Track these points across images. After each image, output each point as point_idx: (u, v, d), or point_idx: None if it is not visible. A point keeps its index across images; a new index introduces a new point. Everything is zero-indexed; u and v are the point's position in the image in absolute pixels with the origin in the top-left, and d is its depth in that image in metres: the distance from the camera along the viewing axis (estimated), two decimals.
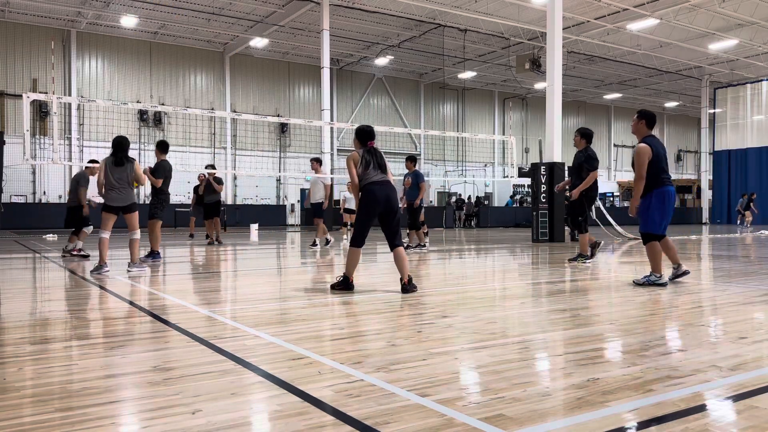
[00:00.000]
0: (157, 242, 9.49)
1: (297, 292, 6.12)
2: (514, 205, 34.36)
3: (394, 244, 5.91)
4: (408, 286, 5.80)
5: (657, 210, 6.33)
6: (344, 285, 5.89)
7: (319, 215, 12.71)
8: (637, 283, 6.37)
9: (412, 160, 11.90)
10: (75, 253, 10.26)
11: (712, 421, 2.27)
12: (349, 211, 17.28)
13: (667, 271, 6.60)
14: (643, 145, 6.33)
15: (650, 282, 6.29)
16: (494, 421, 2.24)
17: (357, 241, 5.92)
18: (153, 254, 9.29)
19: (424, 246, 11.99)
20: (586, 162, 8.87)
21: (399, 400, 2.52)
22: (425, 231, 13.00)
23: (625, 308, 4.94)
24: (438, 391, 2.62)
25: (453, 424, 2.22)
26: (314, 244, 12.71)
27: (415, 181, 11.71)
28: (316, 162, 12.84)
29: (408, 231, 12.13)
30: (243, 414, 2.37)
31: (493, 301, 5.52)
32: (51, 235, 18.11)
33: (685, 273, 6.68)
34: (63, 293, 6.13)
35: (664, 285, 6.21)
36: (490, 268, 9.00)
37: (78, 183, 10.44)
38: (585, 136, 8.96)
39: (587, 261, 8.99)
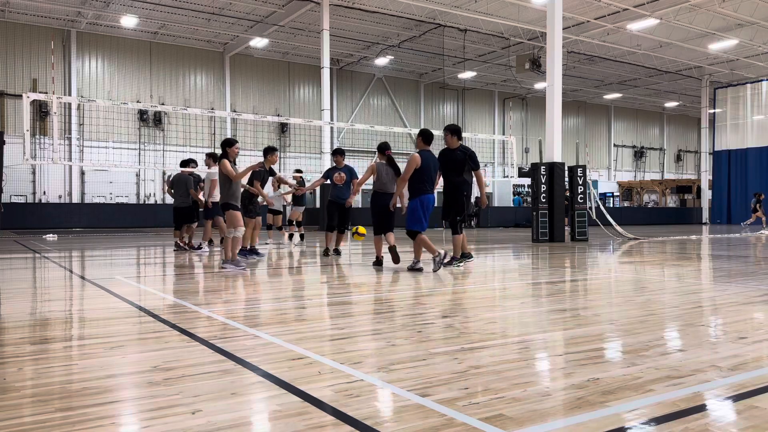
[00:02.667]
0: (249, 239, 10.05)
1: (297, 292, 6.12)
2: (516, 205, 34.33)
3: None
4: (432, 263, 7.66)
5: (419, 212, 7.75)
6: (377, 263, 8.28)
7: (216, 213, 11.27)
8: (434, 270, 7.57)
9: (341, 153, 10.63)
10: (188, 246, 11.71)
11: (712, 421, 2.27)
12: (273, 211, 15.31)
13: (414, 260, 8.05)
14: (415, 154, 7.86)
15: (444, 263, 7.76)
16: (494, 421, 2.24)
17: (376, 231, 8.47)
18: (251, 250, 9.95)
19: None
20: (471, 161, 8.34)
21: (399, 400, 2.52)
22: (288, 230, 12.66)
23: (625, 308, 4.94)
24: (438, 391, 2.62)
25: (453, 424, 2.22)
26: (255, 252, 10.91)
27: (349, 178, 10.41)
28: (211, 158, 11.62)
29: (328, 232, 10.49)
30: (243, 414, 2.37)
31: (493, 301, 5.52)
32: (51, 235, 18.12)
33: (419, 270, 7.66)
34: (63, 293, 6.13)
35: (450, 261, 7.84)
36: (489, 268, 9.00)
37: (187, 185, 11.72)
38: (456, 133, 8.55)
39: (461, 264, 8.35)
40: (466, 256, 8.54)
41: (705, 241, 16.13)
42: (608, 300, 5.53)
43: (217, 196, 11.57)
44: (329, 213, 10.44)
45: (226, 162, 8.16)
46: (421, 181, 7.77)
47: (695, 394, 2.59)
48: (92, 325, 4.26)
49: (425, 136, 8.09)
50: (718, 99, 33.76)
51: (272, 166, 10.14)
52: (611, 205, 37.04)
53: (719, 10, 24.15)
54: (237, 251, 8.21)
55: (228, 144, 8.36)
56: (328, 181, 10.59)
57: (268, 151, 9.69)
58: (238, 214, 8.20)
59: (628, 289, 6.26)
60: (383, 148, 8.76)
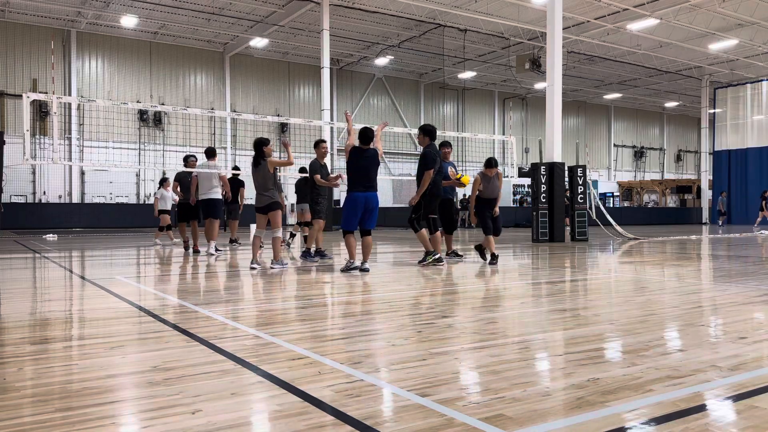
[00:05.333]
0: (312, 241, 9.72)
1: (297, 292, 6.12)
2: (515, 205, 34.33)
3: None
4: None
5: (346, 211, 7.82)
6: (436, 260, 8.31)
7: (217, 215, 11.17)
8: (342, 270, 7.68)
9: (449, 145, 10.05)
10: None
11: (712, 421, 2.27)
12: (163, 211, 14.69)
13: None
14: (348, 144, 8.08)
15: (348, 268, 7.68)
16: (494, 421, 2.24)
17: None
18: (317, 252, 9.64)
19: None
20: (421, 161, 8.44)
21: (399, 400, 2.52)
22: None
23: (625, 308, 4.94)
24: (438, 391, 2.62)
25: (453, 424, 2.22)
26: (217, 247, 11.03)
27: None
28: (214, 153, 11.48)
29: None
30: (243, 414, 2.37)
31: (493, 301, 5.52)
32: (51, 235, 18.12)
33: (365, 270, 7.69)
34: (63, 293, 6.13)
35: (356, 269, 7.64)
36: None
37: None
38: (427, 133, 8.53)
39: (440, 264, 8.35)
40: (431, 253, 8.40)
41: (705, 241, 16.13)
42: (608, 300, 5.53)
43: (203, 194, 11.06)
44: (438, 212, 9.48)
45: (270, 159, 8.41)
46: (350, 178, 7.89)
47: (695, 394, 2.59)
48: (92, 325, 4.26)
49: (362, 137, 7.96)
50: (718, 99, 33.74)
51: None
52: (611, 205, 37.04)
53: (719, 10, 24.14)
54: (279, 250, 8.41)
55: (263, 143, 8.49)
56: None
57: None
58: (275, 214, 8.46)
59: (628, 289, 6.26)
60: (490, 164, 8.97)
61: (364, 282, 6.77)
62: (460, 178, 9.74)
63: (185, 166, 12.02)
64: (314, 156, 9.75)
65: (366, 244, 7.91)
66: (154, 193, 15.43)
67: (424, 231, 8.52)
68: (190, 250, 11.44)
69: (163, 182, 14.85)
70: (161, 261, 9.87)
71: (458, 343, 3.62)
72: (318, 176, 9.27)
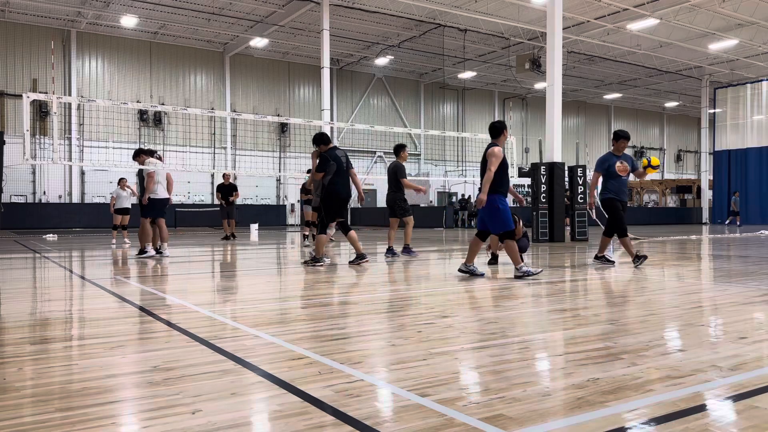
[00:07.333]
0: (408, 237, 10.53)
1: (297, 292, 6.12)
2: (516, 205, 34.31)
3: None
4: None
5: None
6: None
7: (162, 214, 10.52)
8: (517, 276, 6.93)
9: (627, 137, 9.57)
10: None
11: (712, 421, 2.27)
12: (121, 211, 14.92)
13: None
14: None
15: (528, 273, 6.92)
16: (494, 421, 2.24)
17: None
18: (405, 249, 10.34)
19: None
20: (319, 164, 8.51)
21: (399, 400, 2.52)
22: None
23: (625, 308, 4.94)
24: (438, 391, 2.62)
25: (453, 424, 2.22)
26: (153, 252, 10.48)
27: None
28: (146, 155, 10.88)
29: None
30: (243, 414, 2.37)
31: (493, 301, 5.51)
32: (51, 235, 18.11)
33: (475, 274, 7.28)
34: (63, 293, 6.13)
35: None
36: (489, 267, 8.99)
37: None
38: (319, 141, 8.63)
39: (317, 264, 8.39)
40: (316, 259, 8.43)
41: (705, 241, 16.13)
42: (608, 300, 5.53)
43: (161, 193, 10.43)
44: (612, 213, 9.17)
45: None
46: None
47: (695, 394, 2.58)
48: (92, 325, 4.26)
49: (491, 129, 7.59)
50: (718, 99, 33.74)
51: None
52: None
53: (719, 10, 24.15)
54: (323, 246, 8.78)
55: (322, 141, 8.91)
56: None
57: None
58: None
59: (628, 289, 6.26)
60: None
61: (364, 282, 6.77)
62: (647, 166, 9.11)
63: (143, 162, 10.89)
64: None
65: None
66: (111, 192, 15.56)
67: (353, 232, 8.70)
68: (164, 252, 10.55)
69: (120, 181, 15.29)
70: (161, 261, 9.87)
71: (458, 343, 3.62)
72: (405, 180, 10.26)
